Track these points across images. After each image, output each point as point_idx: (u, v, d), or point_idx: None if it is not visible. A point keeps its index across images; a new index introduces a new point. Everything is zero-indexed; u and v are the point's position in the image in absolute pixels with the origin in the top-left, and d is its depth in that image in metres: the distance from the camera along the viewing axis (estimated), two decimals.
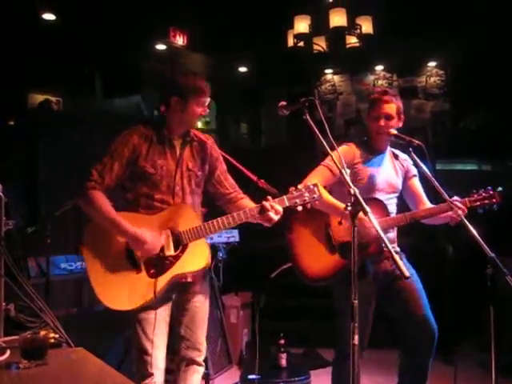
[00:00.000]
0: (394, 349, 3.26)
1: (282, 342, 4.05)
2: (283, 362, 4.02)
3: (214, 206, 2.78)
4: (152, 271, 2.46)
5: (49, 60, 5.92)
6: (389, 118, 2.97)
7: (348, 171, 2.33)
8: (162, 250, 2.48)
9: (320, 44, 5.70)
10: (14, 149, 5.23)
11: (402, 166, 3.15)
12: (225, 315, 4.91)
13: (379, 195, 2.97)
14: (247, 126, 9.33)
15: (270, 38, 6.41)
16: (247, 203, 2.70)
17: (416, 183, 3.18)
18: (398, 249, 3.04)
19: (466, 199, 2.84)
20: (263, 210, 2.44)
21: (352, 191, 2.11)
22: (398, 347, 3.12)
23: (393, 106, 2.99)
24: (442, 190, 2.63)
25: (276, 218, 2.45)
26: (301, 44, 5.66)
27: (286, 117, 2.51)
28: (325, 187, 2.89)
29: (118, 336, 3.36)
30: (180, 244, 2.50)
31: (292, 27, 5.63)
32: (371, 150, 3.06)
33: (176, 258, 2.49)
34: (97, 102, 7.27)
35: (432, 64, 7.68)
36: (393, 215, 2.99)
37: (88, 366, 1.74)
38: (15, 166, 5.21)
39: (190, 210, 2.57)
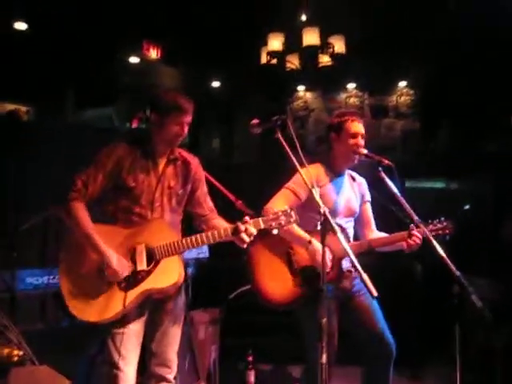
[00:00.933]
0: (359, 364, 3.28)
1: (251, 358, 4.03)
2: (251, 379, 4.01)
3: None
4: (123, 284, 2.48)
5: (20, 69, 5.85)
6: (362, 136, 3.01)
7: (318, 190, 2.36)
8: (135, 263, 2.51)
9: (293, 61, 5.75)
10: None
11: (359, 189, 3.18)
12: (193, 331, 4.87)
13: (338, 219, 2.97)
14: (219, 141, 9.33)
15: (244, 54, 6.45)
16: (221, 223, 2.73)
17: (368, 208, 3.22)
18: (352, 269, 3.07)
19: (424, 228, 2.90)
20: (236, 232, 2.47)
21: (322, 210, 2.13)
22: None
23: (362, 127, 3.04)
24: (411, 211, 2.67)
25: (248, 239, 2.48)
26: (274, 61, 5.71)
27: (258, 135, 2.52)
28: None
29: (83, 353, 3.30)
30: (153, 259, 2.51)
31: (266, 44, 5.68)
32: (333, 172, 3.07)
33: (148, 273, 2.51)
34: (68, 113, 7.19)
35: (403, 83, 7.81)
36: (351, 240, 3.02)
37: None
38: None
39: (166, 226, 2.59)
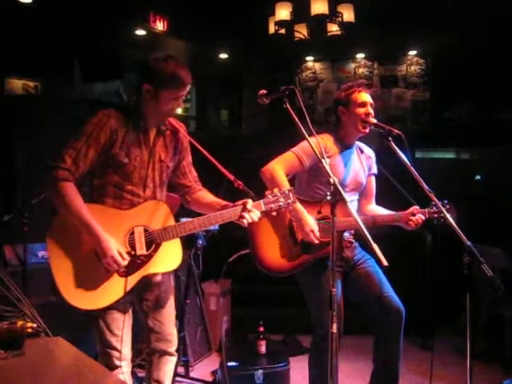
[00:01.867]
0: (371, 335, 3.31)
1: (261, 329, 4.06)
2: (262, 349, 4.04)
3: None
4: (122, 270, 2.32)
5: (26, 44, 5.81)
6: (371, 105, 2.98)
7: (328, 161, 2.34)
8: (134, 248, 2.35)
9: (301, 31, 5.68)
10: None
11: (367, 162, 3.16)
12: (204, 303, 4.92)
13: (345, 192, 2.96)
14: (227, 112, 9.29)
15: (252, 24, 6.37)
16: (205, 195, 2.62)
17: (372, 181, 3.21)
18: (352, 239, 3.08)
19: (426, 210, 2.90)
20: (242, 214, 2.37)
21: (332, 181, 2.11)
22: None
23: (369, 96, 3.01)
24: (421, 180, 2.65)
25: (250, 221, 2.38)
26: (282, 31, 5.64)
27: (267, 104, 2.49)
28: (287, 175, 2.90)
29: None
30: (153, 243, 2.38)
31: (273, 14, 5.60)
32: (342, 144, 3.05)
33: (148, 257, 2.37)
34: (76, 87, 7.16)
35: (412, 53, 7.71)
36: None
37: (66, 356, 1.73)
38: None
39: (165, 208, 2.44)
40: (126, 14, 6.33)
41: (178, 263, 2.44)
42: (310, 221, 2.80)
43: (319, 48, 7.35)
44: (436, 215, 2.87)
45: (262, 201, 2.42)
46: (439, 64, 7.46)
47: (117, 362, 2.39)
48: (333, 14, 5.44)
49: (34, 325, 1.87)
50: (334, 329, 2.08)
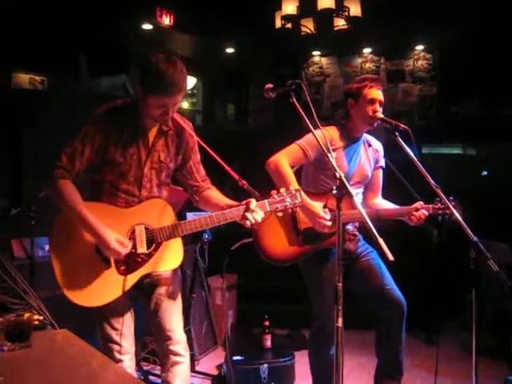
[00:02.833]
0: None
1: (267, 323, 4.08)
2: (267, 343, 4.05)
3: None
4: (122, 268, 2.33)
5: (33, 38, 5.82)
6: (380, 103, 2.97)
7: (334, 154, 2.34)
8: (134, 246, 2.34)
9: (308, 26, 5.66)
10: None
11: (374, 155, 3.16)
12: (210, 297, 4.94)
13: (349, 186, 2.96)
14: (234, 107, 9.28)
15: (258, 18, 6.35)
16: (215, 195, 2.57)
17: (379, 175, 3.21)
18: (356, 232, 3.09)
19: (430, 206, 2.89)
20: (244, 218, 2.30)
21: (338, 175, 2.11)
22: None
23: (381, 94, 3.00)
24: (428, 175, 2.64)
25: (253, 222, 2.30)
26: (288, 26, 5.61)
27: (273, 99, 2.48)
28: (292, 167, 2.90)
29: None
30: (154, 242, 2.37)
31: (280, 8, 5.58)
32: (349, 137, 3.05)
33: (148, 256, 2.36)
34: (83, 81, 7.17)
35: (420, 47, 7.67)
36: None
37: (72, 348, 1.74)
38: None
39: (166, 207, 2.42)
40: (133, 9, 6.32)
41: (179, 262, 2.44)
42: (319, 209, 2.77)
43: (326, 43, 7.31)
44: (440, 211, 2.86)
45: (266, 201, 2.36)
46: (446, 59, 7.41)
47: (118, 356, 2.38)
48: (339, 9, 5.41)
49: (41, 317, 1.88)
50: (340, 323, 2.08)
